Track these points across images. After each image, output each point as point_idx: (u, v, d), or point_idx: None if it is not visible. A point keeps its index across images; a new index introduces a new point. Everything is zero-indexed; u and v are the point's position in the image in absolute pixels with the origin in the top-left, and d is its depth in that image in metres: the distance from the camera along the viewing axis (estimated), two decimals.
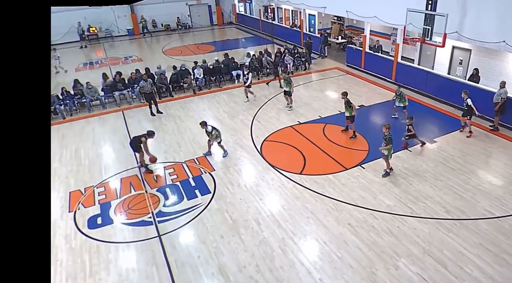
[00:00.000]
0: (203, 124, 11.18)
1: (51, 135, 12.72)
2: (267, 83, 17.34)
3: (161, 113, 15.04)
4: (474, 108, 11.40)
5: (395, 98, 13.01)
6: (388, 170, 10.07)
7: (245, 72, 15.72)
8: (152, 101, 14.84)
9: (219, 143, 11.47)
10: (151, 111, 14.89)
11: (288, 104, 14.89)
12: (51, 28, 28.76)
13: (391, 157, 10.02)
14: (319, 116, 14.04)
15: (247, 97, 15.93)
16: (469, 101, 11.43)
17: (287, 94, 14.65)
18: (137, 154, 11.10)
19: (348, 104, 11.81)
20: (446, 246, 7.53)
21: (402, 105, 12.85)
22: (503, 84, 11.67)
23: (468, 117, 11.70)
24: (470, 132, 11.91)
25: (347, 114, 11.99)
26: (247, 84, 15.61)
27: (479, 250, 7.39)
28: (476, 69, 13.86)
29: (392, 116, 13.41)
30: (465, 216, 8.37)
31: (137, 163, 11.21)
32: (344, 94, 11.97)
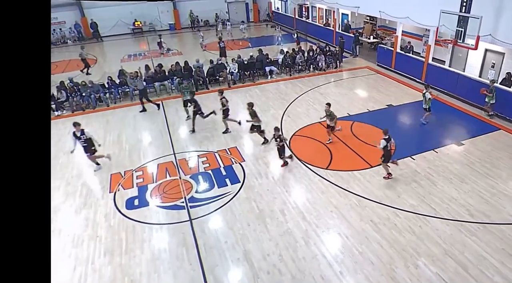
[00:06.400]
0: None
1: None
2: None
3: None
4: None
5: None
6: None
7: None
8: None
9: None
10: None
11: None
12: (102, 21, 29.34)
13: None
14: (348, 113, 13.73)
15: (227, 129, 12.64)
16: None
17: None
18: None
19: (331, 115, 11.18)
20: (468, 249, 7.23)
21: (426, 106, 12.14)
22: None
23: None
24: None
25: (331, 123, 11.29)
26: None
27: (502, 255, 7.04)
28: (509, 73, 13.08)
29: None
30: (489, 220, 7.98)
31: None
32: (328, 104, 11.32)
